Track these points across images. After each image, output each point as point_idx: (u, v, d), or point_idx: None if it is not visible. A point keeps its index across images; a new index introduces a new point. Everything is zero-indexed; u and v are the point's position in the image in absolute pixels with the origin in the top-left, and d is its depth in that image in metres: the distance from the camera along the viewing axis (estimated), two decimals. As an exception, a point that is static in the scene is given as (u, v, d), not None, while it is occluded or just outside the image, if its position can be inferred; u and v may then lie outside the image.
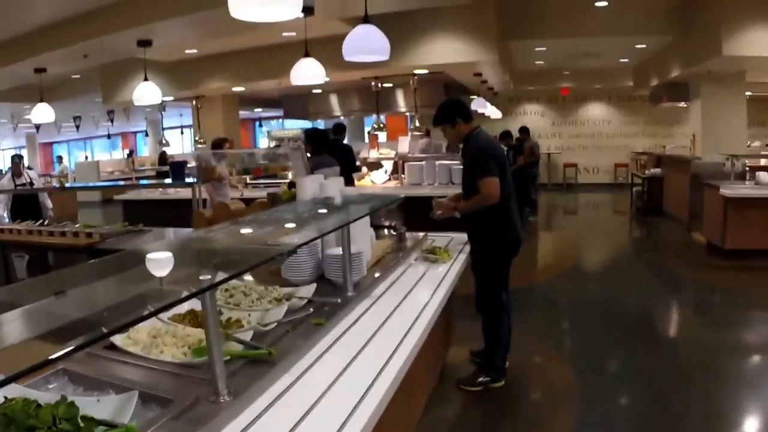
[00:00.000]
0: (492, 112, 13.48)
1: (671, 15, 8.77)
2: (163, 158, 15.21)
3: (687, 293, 6.16)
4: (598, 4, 8.05)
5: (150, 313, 1.31)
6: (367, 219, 2.94)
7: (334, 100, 13.40)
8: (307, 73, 5.34)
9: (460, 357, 3.94)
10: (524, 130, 11.25)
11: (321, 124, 15.50)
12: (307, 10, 5.28)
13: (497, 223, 3.40)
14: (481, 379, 3.56)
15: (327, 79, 5.67)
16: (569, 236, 10.05)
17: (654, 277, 6.87)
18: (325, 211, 2.81)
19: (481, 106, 11.70)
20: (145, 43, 6.62)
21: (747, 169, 8.40)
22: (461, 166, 3.65)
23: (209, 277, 1.52)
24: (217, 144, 7.64)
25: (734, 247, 6.92)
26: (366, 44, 4.04)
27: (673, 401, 3.46)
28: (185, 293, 1.41)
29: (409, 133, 10.50)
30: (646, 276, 6.91)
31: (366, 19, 4.06)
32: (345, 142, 8.33)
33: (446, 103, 3.61)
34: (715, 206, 7.20)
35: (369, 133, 11.64)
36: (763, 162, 9.51)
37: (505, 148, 9.45)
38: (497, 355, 3.58)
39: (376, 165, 8.95)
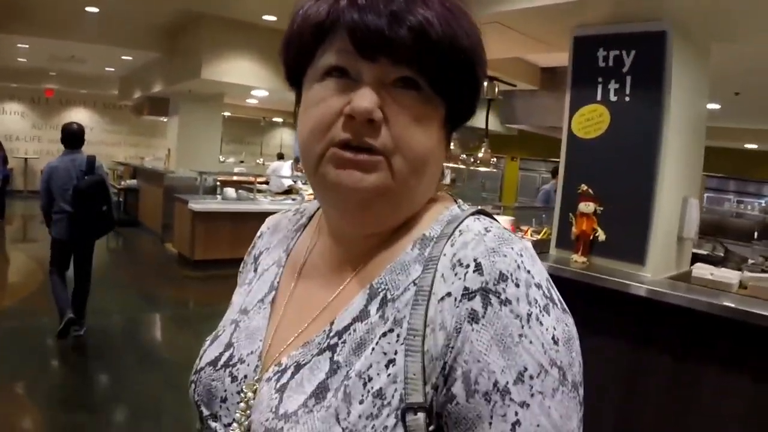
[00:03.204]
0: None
1: (158, 34, 8.76)
2: None
3: (164, 307, 6.03)
4: (88, 9, 7.42)
5: None
6: None
7: None
8: None
9: None
10: None
11: None
12: None
13: None
14: None
15: None
16: (45, 250, 8.74)
17: (132, 291, 6.48)
18: None
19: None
20: None
21: (218, 183, 9.05)
22: None
23: None
24: None
25: (202, 258, 7.24)
26: None
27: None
28: None
29: None
30: (125, 291, 6.47)
31: None
32: None
33: None
34: (185, 219, 7.41)
35: None
36: (235, 178, 10.45)
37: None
38: None
39: None
